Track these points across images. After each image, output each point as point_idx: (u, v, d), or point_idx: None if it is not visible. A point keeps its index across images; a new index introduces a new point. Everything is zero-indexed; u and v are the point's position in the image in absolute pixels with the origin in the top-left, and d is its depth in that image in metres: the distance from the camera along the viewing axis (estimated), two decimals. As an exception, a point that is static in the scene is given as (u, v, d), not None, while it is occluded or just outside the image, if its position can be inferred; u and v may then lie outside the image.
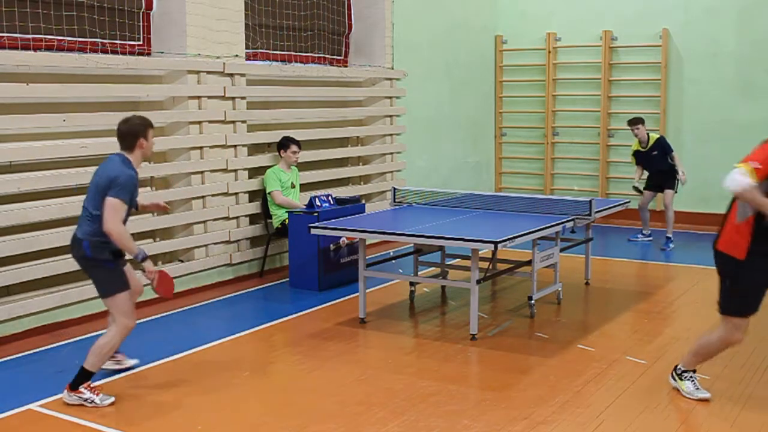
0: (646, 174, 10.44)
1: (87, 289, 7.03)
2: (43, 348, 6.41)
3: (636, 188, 10.35)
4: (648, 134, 10.22)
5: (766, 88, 11.41)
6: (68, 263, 6.87)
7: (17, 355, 6.23)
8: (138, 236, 7.66)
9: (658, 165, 10.19)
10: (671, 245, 10.11)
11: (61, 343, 6.51)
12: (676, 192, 10.25)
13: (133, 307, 5.49)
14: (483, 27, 12.88)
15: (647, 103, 12.22)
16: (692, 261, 8.97)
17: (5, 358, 6.15)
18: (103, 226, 5.10)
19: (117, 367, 5.82)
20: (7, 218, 6.46)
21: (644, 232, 10.67)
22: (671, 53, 11.97)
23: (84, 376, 5.21)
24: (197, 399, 5.34)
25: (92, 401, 5.17)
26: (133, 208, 5.41)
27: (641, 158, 10.32)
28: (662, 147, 10.17)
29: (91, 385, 5.24)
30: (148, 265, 5.33)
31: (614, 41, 12.34)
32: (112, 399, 5.23)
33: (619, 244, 10.65)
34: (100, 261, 5.26)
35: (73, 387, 5.20)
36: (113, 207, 5.10)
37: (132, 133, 5.31)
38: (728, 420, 4.95)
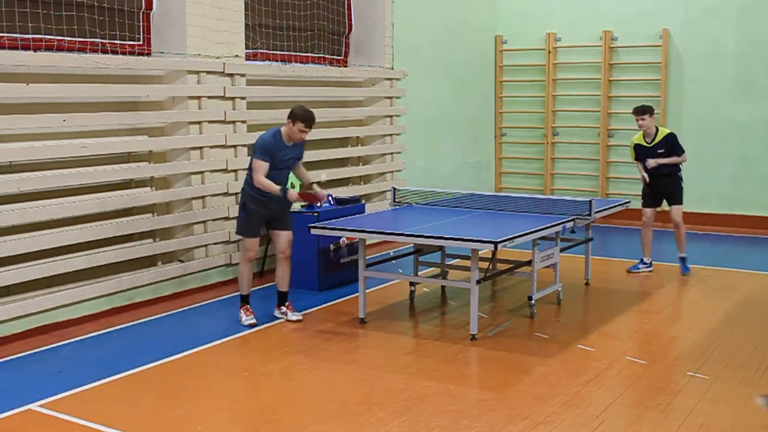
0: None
1: (87, 289, 7.05)
2: (43, 348, 6.41)
3: (643, 178, 8.83)
4: (657, 128, 8.78)
5: (766, 88, 11.42)
6: (68, 263, 6.91)
7: (17, 355, 6.23)
8: (138, 236, 7.68)
9: (662, 167, 8.66)
10: (688, 267, 8.78)
11: (61, 343, 6.51)
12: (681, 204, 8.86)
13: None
14: (483, 27, 12.88)
15: (647, 103, 12.18)
16: (692, 261, 8.97)
17: (5, 358, 6.15)
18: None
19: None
20: (7, 218, 6.46)
21: (645, 260, 8.98)
22: (671, 53, 11.97)
23: (280, 296, 7.11)
24: (197, 399, 5.34)
25: (285, 313, 7.05)
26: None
27: (643, 154, 8.79)
28: (671, 146, 8.66)
29: (287, 303, 7.07)
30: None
31: (614, 41, 12.35)
32: (300, 316, 6.98)
33: (619, 244, 10.65)
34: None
35: (278, 305, 7.10)
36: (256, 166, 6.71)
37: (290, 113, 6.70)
38: (728, 420, 4.95)
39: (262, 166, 6.65)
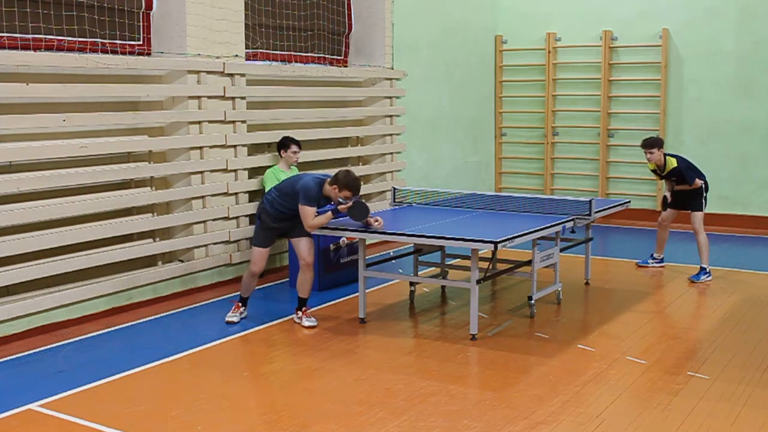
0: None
1: (87, 289, 7.05)
2: (43, 348, 6.41)
3: (664, 198, 8.94)
4: (666, 158, 8.64)
5: (766, 88, 11.42)
6: (68, 263, 6.90)
7: (17, 355, 6.23)
8: (138, 236, 7.68)
9: (680, 186, 8.79)
10: (705, 277, 8.51)
11: (61, 343, 6.50)
12: (703, 211, 8.83)
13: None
14: (483, 27, 12.88)
15: (647, 103, 12.22)
16: (692, 261, 8.97)
17: (5, 358, 6.15)
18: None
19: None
20: (7, 218, 6.45)
21: (655, 255, 9.16)
22: (671, 53, 11.97)
23: (299, 301, 7.03)
24: (197, 399, 5.34)
25: (300, 318, 7.00)
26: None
27: (660, 177, 8.96)
28: (680, 176, 8.64)
29: (304, 309, 7.01)
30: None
31: (614, 41, 12.34)
32: (314, 323, 6.92)
33: (619, 244, 10.65)
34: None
35: (298, 309, 7.02)
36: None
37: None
38: (728, 420, 4.95)
39: (310, 212, 6.63)
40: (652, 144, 8.63)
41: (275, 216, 6.85)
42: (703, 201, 8.81)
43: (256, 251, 6.97)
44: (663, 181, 8.98)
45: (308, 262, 6.90)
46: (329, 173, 6.85)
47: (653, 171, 8.91)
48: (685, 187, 8.70)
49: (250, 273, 7.03)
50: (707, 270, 8.57)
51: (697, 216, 8.71)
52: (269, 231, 6.94)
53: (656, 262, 9.13)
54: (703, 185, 8.80)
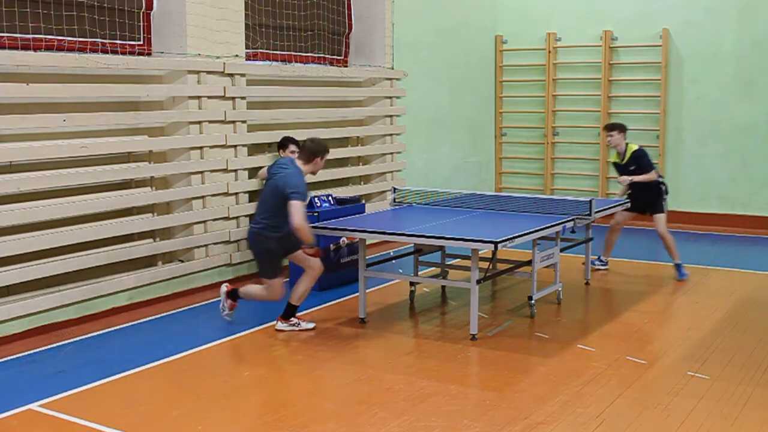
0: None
1: (87, 289, 7.05)
2: (43, 348, 6.41)
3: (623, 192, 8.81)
4: (627, 144, 8.61)
5: (766, 88, 11.42)
6: (68, 263, 6.91)
7: (17, 355, 6.23)
8: (138, 236, 7.68)
9: (638, 178, 8.55)
10: (684, 273, 8.56)
11: (61, 343, 6.51)
12: (665, 212, 8.65)
13: None
14: (483, 27, 12.88)
15: (647, 103, 12.22)
16: (692, 261, 8.97)
17: (5, 358, 6.15)
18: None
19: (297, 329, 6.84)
20: (7, 218, 6.46)
21: (602, 258, 8.95)
22: (671, 53, 11.97)
23: (292, 309, 6.75)
24: (197, 399, 5.34)
25: (298, 323, 6.73)
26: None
27: (619, 172, 8.75)
28: (638, 163, 8.52)
29: (297, 316, 6.80)
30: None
31: (614, 41, 12.34)
32: (314, 324, 6.77)
33: (619, 243, 10.63)
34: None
35: (285, 317, 6.74)
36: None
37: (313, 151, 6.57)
38: (728, 420, 4.95)
39: (302, 208, 6.29)
40: (612, 127, 8.64)
41: (282, 237, 6.50)
42: (664, 203, 8.65)
43: (278, 282, 6.63)
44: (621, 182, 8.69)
45: (318, 272, 6.76)
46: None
47: (614, 164, 8.79)
48: (643, 179, 8.47)
49: (272, 299, 6.75)
50: (682, 265, 8.58)
51: (660, 218, 8.56)
52: (279, 256, 6.68)
53: (602, 265, 8.95)
54: (664, 187, 8.71)
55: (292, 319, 6.78)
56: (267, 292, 6.71)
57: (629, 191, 8.69)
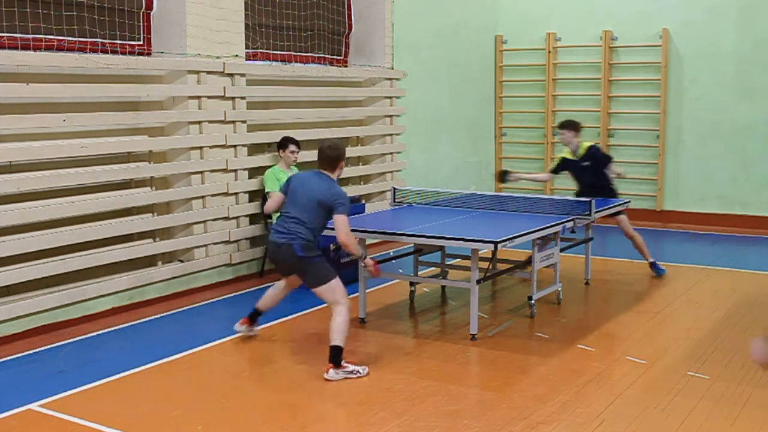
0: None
1: (87, 289, 7.05)
2: (43, 348, 6.41)
3: (504, 173, 8.73)
4: (579, 143, 8.50)
5: (766, 88, 11.42)
6: (68, 263, 6.91)
7: (17, 355, 6.23)
8: (138, 236, 7.68)
9: (592, 179, 8.47)
10: (661, 269, 8.64)
11: (61, 343, 6.51)
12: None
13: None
14: (483, 27, 12.88)
15: (647, 103, 12.22)
16: (692, 261, 8.97)
17: (5, 358, 6.15)
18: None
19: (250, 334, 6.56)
20: (7, 218, 6.46)
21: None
22: (671, 53, 11.97)
23: (339, 352, 5.70)
24: (197, 399, 5.34)
25: (357, 372, 5.69)
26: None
27: (571, 169, 8.63)
28: (594, 158, 8.43)
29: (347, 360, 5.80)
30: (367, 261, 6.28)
31: (614, 41, 12.35)
32: (367, 368, 5.79)
33: (619, 244, 10.62)
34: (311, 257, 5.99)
35: (337, 364, 5.66)
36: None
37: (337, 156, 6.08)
38: (728, 420, 4.95)
39: (347, 221, 5.92)
40: (564, 125, 8.57)
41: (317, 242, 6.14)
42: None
43: (338, 281, 5.99)
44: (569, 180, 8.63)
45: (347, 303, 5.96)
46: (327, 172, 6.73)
47: (563, 159, 8.64)
48: (600, 178, 8.39)
49: (348, 311, 5.90)
50: (656, 262, 8.63)
51: (623, 218, 8.45)
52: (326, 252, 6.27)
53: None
54: (613, 188, 8.59)
55: (344, 363, 5.75)
56: (335, 303, 5.91)
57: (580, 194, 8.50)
